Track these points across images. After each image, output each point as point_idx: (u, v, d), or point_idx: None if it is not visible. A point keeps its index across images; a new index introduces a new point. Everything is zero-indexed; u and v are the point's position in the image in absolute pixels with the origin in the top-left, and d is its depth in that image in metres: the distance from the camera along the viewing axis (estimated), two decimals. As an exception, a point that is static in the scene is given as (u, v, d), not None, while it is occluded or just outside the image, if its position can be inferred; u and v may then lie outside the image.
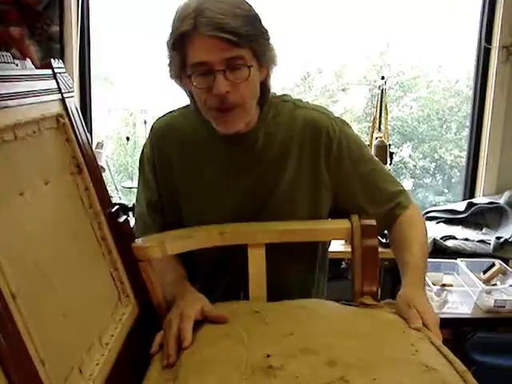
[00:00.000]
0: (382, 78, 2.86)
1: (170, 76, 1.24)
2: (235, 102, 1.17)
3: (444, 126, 3.83)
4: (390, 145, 2.86)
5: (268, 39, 1.21)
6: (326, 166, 1.30)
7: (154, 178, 1.36)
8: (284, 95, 1.36)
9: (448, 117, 3.79)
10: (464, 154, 3.30)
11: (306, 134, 1.30)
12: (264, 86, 1.26)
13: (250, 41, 1.14)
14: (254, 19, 1.16)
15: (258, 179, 1.30)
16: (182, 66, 1.19)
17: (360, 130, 3.79)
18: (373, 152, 2.79)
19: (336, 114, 1.37)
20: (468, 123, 3.27)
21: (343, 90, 3.83)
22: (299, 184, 1.30)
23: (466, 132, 3.58)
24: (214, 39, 1.10)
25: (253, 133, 1.29)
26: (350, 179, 1.32)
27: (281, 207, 1.31)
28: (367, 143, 2.95)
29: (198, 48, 1.13)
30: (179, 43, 1.15)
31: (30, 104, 0.90)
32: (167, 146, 1.34)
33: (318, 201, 1.32)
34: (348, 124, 1.36)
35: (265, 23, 1.20)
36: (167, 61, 1.22)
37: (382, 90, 2.85)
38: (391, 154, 2.87)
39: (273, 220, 1.30)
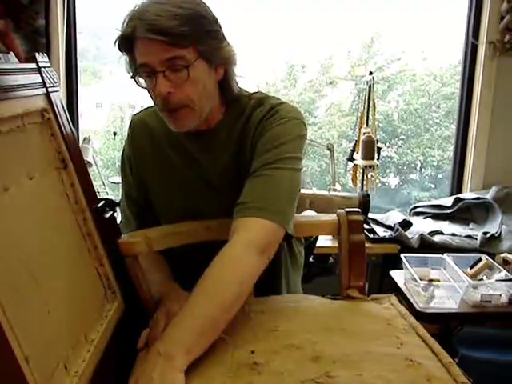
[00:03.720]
0: (370, 73, 2.86)
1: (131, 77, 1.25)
2: (179, 102, 1.17)
3: (430, 122, 3.85)
4: (377, 140, 2.86)
5: (217, 38, 1.19)
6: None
7: (131, 172, 1.41)
8: (255, 92, 1.34)
9: (433, 113, 3.81)
10: (441, 153, 3.31)
11: (257, 128, 1.27)
12: (225, 85, 1.26)
13: (192, 41, 1.13)
14: (195, 18, 1.13)
15: (220, 175, 1.30)
16: (135, 67, 1.20)
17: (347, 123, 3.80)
18: (360, 148, 2.80)
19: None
20: (453, 119, 3.29)
21: (331, 83, 3.83)
22: None
23: (444, 130, 3.60)
24: (151, 41, 1.11)
25: (215, 130, 1.29)
26: (254, 159, 1.24)
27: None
28: (354, 139, 2.96)
29: (140, 50, 1.15)
30: (125, 45, 1.17)
31: (14, 98, 0.89)
32: (140, 140, 1.38)
33: None
34: (294, 120, 1.25)
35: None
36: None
37: (370, 86, 2.85)
38: (379, 149, 2.88)
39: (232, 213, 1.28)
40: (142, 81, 1.21)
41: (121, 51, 1.20)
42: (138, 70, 1.18)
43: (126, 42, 1.16)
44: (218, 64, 1.21)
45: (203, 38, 1.15)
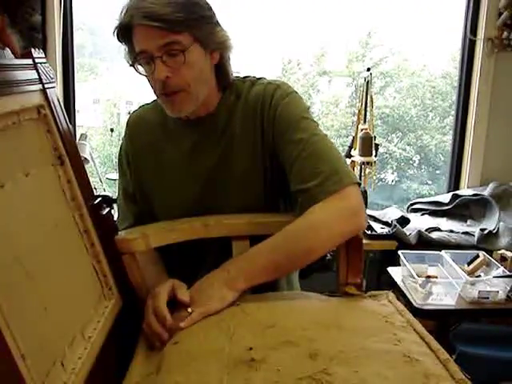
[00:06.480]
0: (368, 69, 2.85)
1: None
2: (177, 86, 1.21)
3: (429, 118, 3.84)
4: (375, 136, 2.86)
5: (211, 23, 1.24)
6: (267, 135, 1.29)
7: (128, 168, 1.42)
8: (246, 76, 1.38)
9: (430, 109, 3.81)
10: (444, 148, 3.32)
11: (256, 109, 1.30)
12: (221, 70, 1.30)
13: (186, 26, 1.17)
14: (190, 5, 1.19)
15: (219, 161, 1.32)
16: (134, 56, 1.24)
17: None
18: (358, 144, 2.80)
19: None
20: (452, 114, 3.29)
21: (325, 72, 3.81)
22: (254, 164, 1.30)
23: (446, 124, 3.59)
24: (147, 28, 1.16)
25: (213, 116, 1.32)
26: (282, 147, 1.27)
27: (238, 188, 1.32)
28: (352, 134, 2.96)
29: (137, 38, 1.19)
30: (123, 35, 1.22)
31: (10, 94, 0.88)
32: (139, 136, 1.40)
33: (272, 179, 1.31)
34: (294, 93, 1.31)
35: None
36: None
37: (368, 82, 2.85)
38: (376, 145, 2.88)
39: (231, 202, 1.32)
40: (141, 69, 1.24)
41: (120, 41, 1.24)
42: (136, 57, 1.22)
43: (124, 32, 1.21)
44: (213, 49, 1.25)
45: (197, 23, 1.19)
